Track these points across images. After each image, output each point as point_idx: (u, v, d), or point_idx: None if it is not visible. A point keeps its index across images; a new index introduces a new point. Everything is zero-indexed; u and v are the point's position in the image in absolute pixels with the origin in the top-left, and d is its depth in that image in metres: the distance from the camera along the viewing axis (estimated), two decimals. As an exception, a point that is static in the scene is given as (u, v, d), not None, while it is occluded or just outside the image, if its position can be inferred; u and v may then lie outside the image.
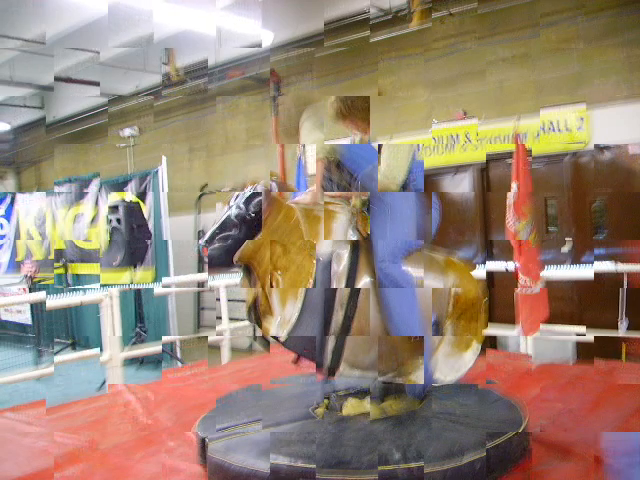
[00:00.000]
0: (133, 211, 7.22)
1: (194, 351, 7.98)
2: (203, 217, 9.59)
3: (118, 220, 7.10)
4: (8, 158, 13.49)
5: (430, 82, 7.07)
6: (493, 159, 6.65)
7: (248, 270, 2.75)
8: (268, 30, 7.37)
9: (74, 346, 8.47)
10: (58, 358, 5.82)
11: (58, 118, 11.28)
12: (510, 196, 4.85)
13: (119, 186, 8.09)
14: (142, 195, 7.79)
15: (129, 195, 7.93)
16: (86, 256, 8.65)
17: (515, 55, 6.41)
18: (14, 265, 10.04)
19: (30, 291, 8.42)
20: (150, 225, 7.64)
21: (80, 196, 8.63)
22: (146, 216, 7.65)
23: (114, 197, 8.05)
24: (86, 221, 8.53)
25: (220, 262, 2.69)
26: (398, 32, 6.89)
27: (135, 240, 7.16)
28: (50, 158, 12.73)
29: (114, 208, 7.22)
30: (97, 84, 9.26)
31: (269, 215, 2.71)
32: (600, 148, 5.96)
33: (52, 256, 9.12)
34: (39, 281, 8.99)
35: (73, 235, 8.74)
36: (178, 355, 7.25)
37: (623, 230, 5.90)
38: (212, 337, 6.12)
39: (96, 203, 8.38)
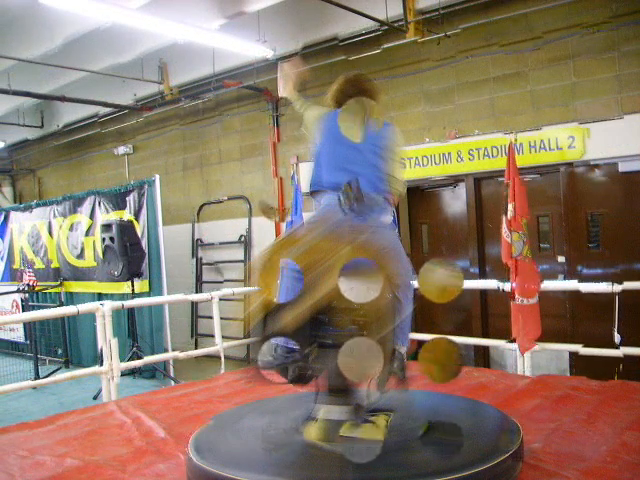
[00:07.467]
0: (126, 229, 7.18)
1: (188, 368, 7.97)
2: (200, 226, 9.62)
3: (111, 239, 7.09)
4: (6, 166, 13.46)
5: (425, 93, 7.09)
6: (485, 177, 6.69)
7: None
8: (267, 48, 7.38)
9: (68, 364, 8.48)
10: (54, 377, 5.82)
11: (61, 126, 11.29)
12: (510, 208, 4.90)
13: (119, 197, 8.05)
14: (140, 207, 7.77)
15: (126, 214, 7.89)
16: (80, 274, 8.65)
17: (510, 67, 6.44)
18: (10, 273, 10.05)
19: (30, 300, 8.40)
20: (145, 236, 7.62)
21: (77, 206, 8.66)
22: (141, 229, 7.63)
23: (109, 216, 8.04)
24: (82, 229, 8.55)
25: None
26: (394, 43, 6.90)
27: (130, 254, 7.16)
28: (47, 166, 12.72)
29: (107, 227, 7.20)
30: (91, 102, 9.30)
31: None
32: (591, 166, 6.00)
33: (53, 264, 9.12)
34: (40, 290, 9.00)
35: (69, 243, 8.73)
36: (171, 373, 7.25)
37: (617, 244, 5.93)
38: (208, 348, 6.09)
39: (92, 214, 8.41)
